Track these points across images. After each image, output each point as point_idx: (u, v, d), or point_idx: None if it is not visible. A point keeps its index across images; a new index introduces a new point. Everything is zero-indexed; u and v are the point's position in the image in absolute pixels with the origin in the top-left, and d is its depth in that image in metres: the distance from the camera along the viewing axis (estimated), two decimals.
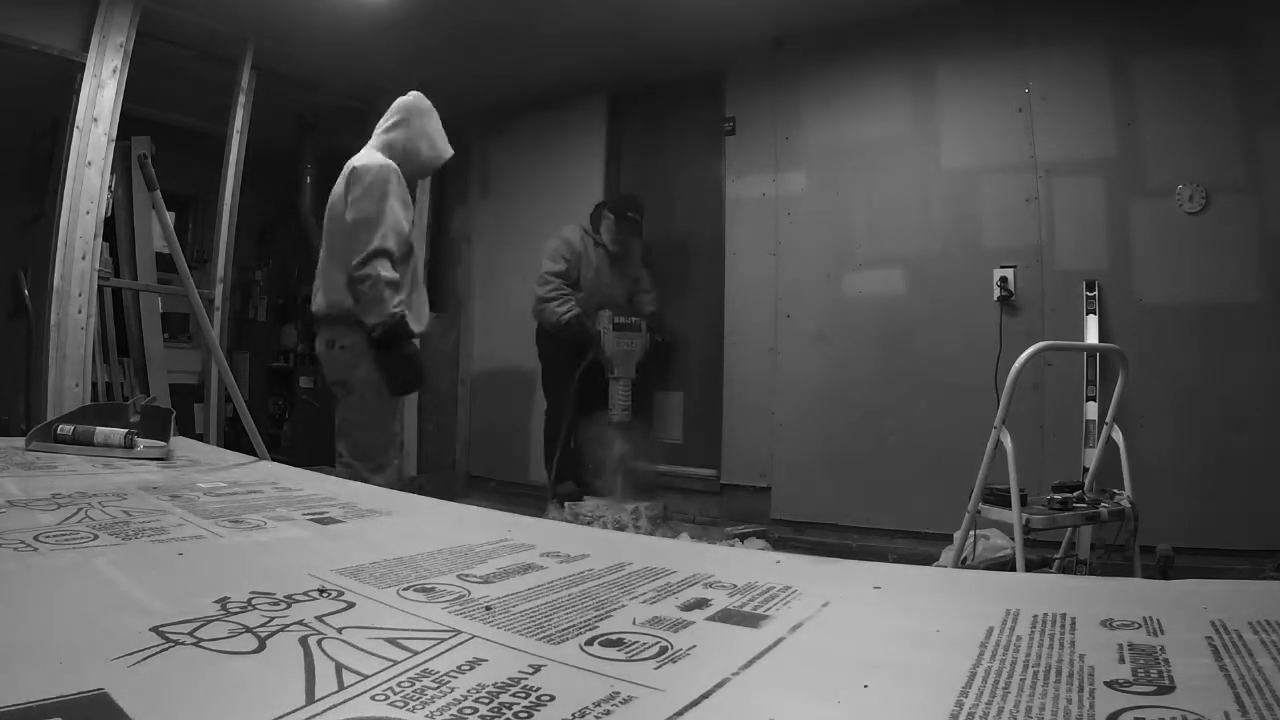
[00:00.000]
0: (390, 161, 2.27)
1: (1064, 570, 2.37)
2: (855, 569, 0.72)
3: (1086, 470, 2.42)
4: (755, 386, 3.63)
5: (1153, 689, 0.42)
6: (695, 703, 0.41)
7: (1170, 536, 2.35)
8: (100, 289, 3.39)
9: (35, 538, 0.71)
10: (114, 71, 3.21)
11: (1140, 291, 2.85)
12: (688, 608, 0.58)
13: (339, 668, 0.44)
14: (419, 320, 2.38)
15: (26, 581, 0.60)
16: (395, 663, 0.45)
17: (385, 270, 2.17)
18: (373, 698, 0.40)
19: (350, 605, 0.56)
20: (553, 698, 0.41)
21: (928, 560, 2.76)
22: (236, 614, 0.52)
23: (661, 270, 3.98)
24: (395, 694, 0.41)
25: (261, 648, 0.47)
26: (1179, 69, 2.81)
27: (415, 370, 2.37)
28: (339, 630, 0.50)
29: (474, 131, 4.71)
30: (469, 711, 0.39)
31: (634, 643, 0.50)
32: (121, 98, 3.23)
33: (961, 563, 2.23)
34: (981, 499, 2.14)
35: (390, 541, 0.82)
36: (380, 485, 1.90)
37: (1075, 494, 2.17)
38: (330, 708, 0.39)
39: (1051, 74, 3.04)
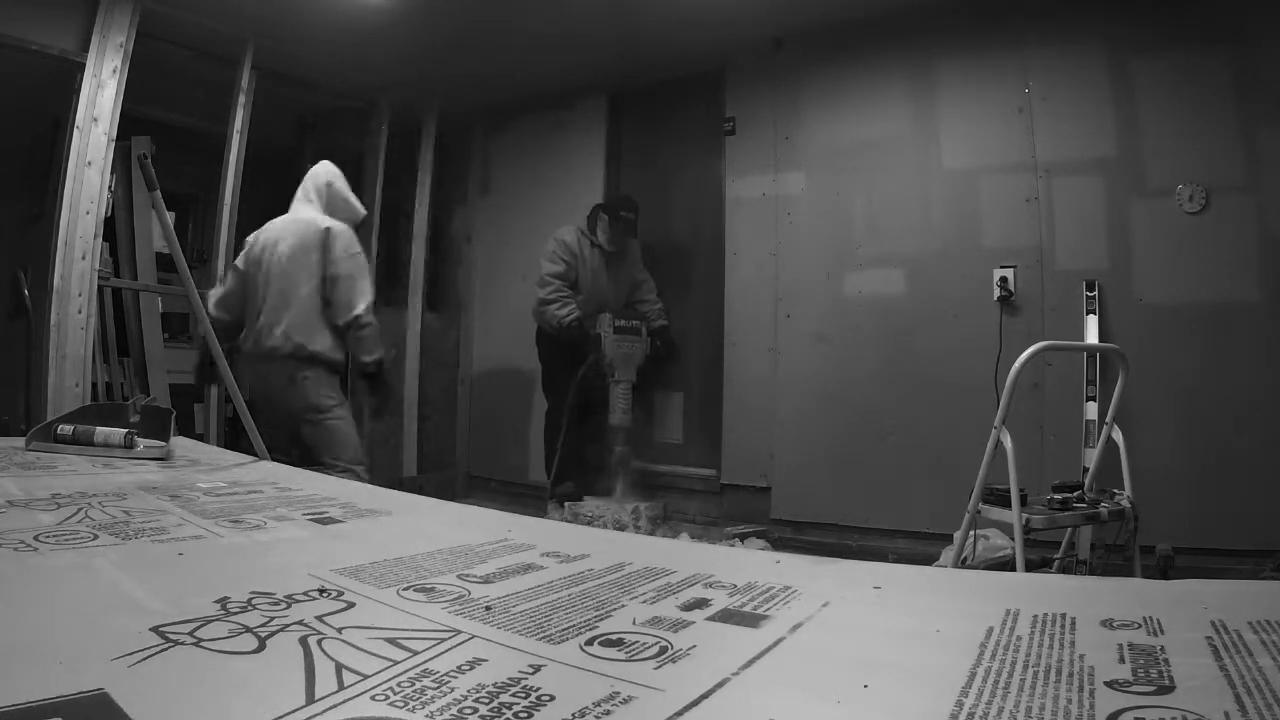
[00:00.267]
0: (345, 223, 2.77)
1: (1064, 570, 2.37)
2: (855, 569, 0.72)
3: (1086, 470, 2.42)
4: (755, 387, 3.63)
5: (1153, 689, 0.42)
6: (695, 703, 0.41)
7: (1170, 536, 2.35)
8: (100, 289, 3.39)
9: (35, 538, 0.71)
10: (114, 71, 3.21)
11: (1140, 291, 2.85)
12: (688, 608, 0.58)
13: (339, 668, 0.44)
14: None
15: (26, 581, 0.60)
16: (395, 663, 0.45)
17: (374, 317, 2.73)
18: (373, 698, 0.40)
19: (350, 605, 0.56)
20: (553, 698, 0.41)
21: (928, 560, 2.76)
22: (236, 614, 0.52)
23: (661, 271, 3.98)
24: (395, 694, 0.41)
25: (261, 648, 0.47)
26: (1179, 69, 2.81)
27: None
28: (339, 630, 0.50)
29: (474, 131, 4.72)
30: (469, 711, 0.39)
31: (634, 643, 0.50)
32: (121, 98, 3.23)
33: (961, 563, 2.23)
34: (981, 499, 2.14)
35: (390, 541, 0.82)
36: (368, 480, 2.23)
37: (1075, 494, 2.17)
38: (330, 708, 0.39)
39: (1051, 74, 3.04)
